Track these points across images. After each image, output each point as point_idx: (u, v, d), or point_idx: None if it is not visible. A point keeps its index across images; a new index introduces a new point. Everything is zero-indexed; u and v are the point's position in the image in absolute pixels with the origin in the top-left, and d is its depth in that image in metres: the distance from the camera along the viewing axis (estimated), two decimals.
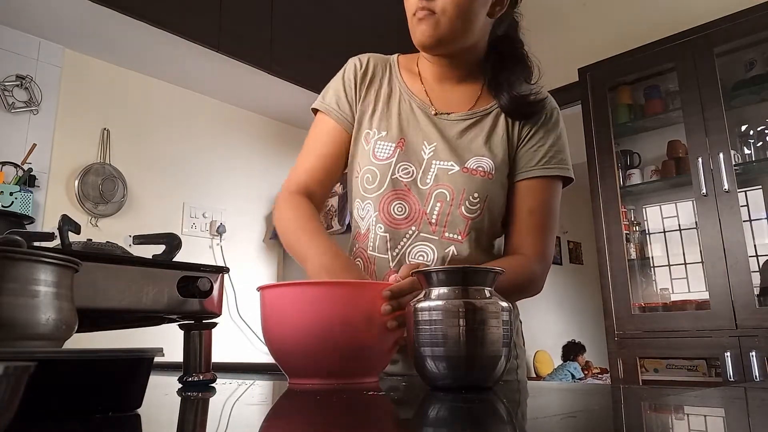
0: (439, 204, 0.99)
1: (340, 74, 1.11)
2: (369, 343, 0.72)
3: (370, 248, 1.02)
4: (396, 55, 1.13)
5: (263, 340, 0.77)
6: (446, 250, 0.98)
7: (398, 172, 1.01)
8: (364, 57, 1.11)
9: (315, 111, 1.12)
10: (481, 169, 1.00)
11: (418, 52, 1.07)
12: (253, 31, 2.67)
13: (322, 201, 1.09)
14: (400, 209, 1.00)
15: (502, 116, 1.04)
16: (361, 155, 1.05)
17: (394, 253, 1.00)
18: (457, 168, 1.00)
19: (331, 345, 0.70)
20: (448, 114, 1.04)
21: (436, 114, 1.04)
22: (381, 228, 1.01)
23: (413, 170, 1.01)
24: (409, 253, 0.99)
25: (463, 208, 0.98)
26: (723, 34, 2.39)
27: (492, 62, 1.06)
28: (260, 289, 0.76)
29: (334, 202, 2.91)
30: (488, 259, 1.01)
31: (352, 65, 1.10)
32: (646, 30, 2.72)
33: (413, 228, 0.99)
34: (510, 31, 1.08)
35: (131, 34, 2.41)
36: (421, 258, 0.98)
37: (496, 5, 1.00)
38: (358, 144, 1.07)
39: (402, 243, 0.99)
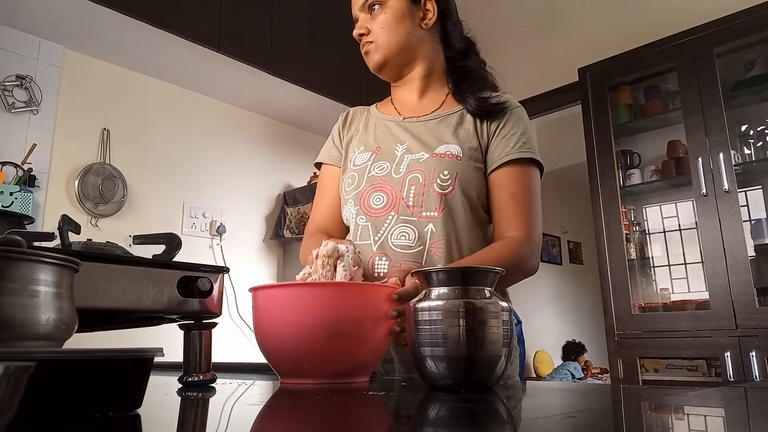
0: (413, 187, 1.06)
1: (331, 132, 1.27)
2: (358, 343, 0.72)
3: (351, 237, 1.10)
4: (374, 104, 1.27)
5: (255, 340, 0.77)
6: (425, 229, 1.03)
7: (374, 170, 1.10)
8: (346, 110, 1.28)
9: (318, 166, 1.26)
10: (449, 153, 1.07)
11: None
12: (253, 31, 2.68)
13: (340, 237, 1.18)
14: (378, 199, 1.07)
15: (469, 114, 1.12)
16: (345, 170, 1.17)
17: (376, 238, 1.05)
18: (427, 155, 1.08)
19: (321, 345, 0.70)
20: (417, 117, 1.15)
21: (404, 119, 1.16)
22: (362, 219, 1.08)
23: (387, 165, 1.10)
24: (391, 235, 1.04)
25: (435, 185, 1.05)
26: (723, 34, 2.39)
27: (453, 77, 1.18)
28: (252, 290, 0.77)
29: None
30: (472, 238, 1.05)
31: (338, 120, 1.27)
32: (646, 30, 2.72)
33: (392, 213, 1.05)
34: (468, 48, 1.20)
35: (131, 34, 2.42)
36: (402, 239, 1.04)
37: (423, 17, 1.15)
38: (345, 166, 1.18)
39: (383, 229, 1.05)
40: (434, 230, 1.03)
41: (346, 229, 1.17)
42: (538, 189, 1.10)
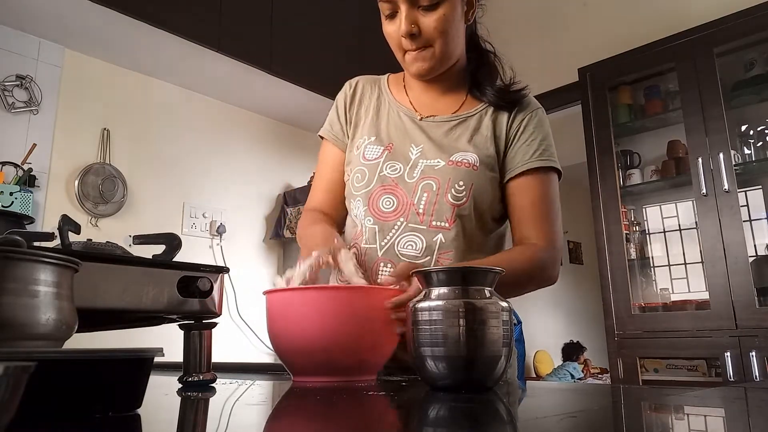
0: (426, 194, 1.02)
1: (334, 101, 1.19)
2: (368, 343, 0.75)
3: (360, 241, 1.06)
4: (386, 75, 1.20)
5: (269, 340, 0.80)
6: (434, 239, 1.00)
7: (386, 170, 1.05)
8: (353, 80, 1.19)
9: (322, 137, 1.20)
10: (465, 161, 1.03)
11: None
12: (253, 31, 2.67)
13: (339, 219, 1.15)
14: (388, 203, 1.03)
15: (487, 117, 1.08)
16: (353, 160, 1.11)
17: (383, 243, 1.02)
18: (443, 163, 1.03)
19: (333, 345, 0.73)
20: (434, 117, 1.09)
21: (421, 119, 1.09)
22: (370, 221, 1.04)
23: (400, 167, 1.05)
24: (398, 243, 1.01)
25: (449, 195, 1.01)
26: (723, 34, 2.39)
27: (470, 69, 1.12)
28: (266, 293, 0.80)
29: None
30: (477, 249, 1.03)
31: (342, 91, 1.18)
32: (646, 30, 2.72)
33: (401, 219, 1.02)
34: (474, 32, 1.13)
35: (131, 34, 2.41)
36: (409, 248, 1.01)
37: (468, 12, 1.06)
38: (352, 153, 1.12)
39: (391, 234, 1.02)
40: (443, 241, 1.00)
41: (344, 212, 1.15)
42: (558, 196, 1.07)
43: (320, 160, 1.19)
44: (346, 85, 1.18)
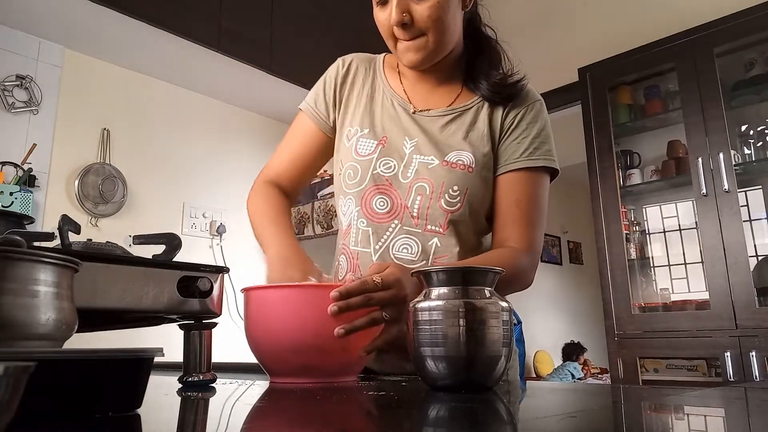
0: (419, 197, 0.99)
1: (323, 76, 1.13)
2: (343, 343, 0.73)
3: (352, 243, 1.02)
4: (383, 54, 1.14)
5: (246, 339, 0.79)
6: (429, 243, 0.98)
7: (379, 168, 1.01)
8: (348, 57, 1.13)
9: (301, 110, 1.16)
10: (461, 162, 0.99)
11: None
12: (253, 31, 2.67)
13: (293, 195, 1.14)
14: (382, 204, 1.00)
15: (483, 111, 1.03)
16: (344, 152, 1.06)
17: (377, 247, 0.99)
18: (437, 162, 0.99)
19: (308, 345, 0.72)
20: (428, 110, 1.04)
21: (415, 112, 1.04)
22: (363, 223, 1.01)
23: (394, 165, 1.01)
24: (393, 246, 0.99)
25: (442, 201, 0.98)
26: (723, 34, 2.39)
27: (467, 57, 1.07)
28: (244, 290, 0.78)
29: (333, 202, 2.91)
30: (472, 253, 1.00)
31: (335, 67, 1.12)
32: (646, 30, 2.72)
33: (396, 221, 0.99)
34: (473, 17, 1.07)
35: (131, 34, 2.42)
36: (405, 251, 0.98)
37: None
38: (341, 142, 1.08)
39: (385, 237, 0.99)
40: (439, 245, 0.98)
41: (302, 188, 1.13)
42: (545, 197, 1.03)
43: (293, 129, 1.14)
44: (339, 62, 1.12)
